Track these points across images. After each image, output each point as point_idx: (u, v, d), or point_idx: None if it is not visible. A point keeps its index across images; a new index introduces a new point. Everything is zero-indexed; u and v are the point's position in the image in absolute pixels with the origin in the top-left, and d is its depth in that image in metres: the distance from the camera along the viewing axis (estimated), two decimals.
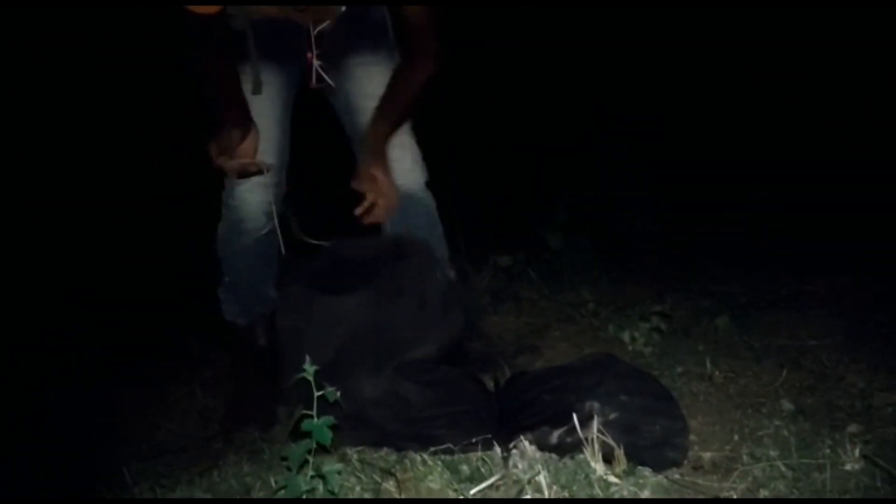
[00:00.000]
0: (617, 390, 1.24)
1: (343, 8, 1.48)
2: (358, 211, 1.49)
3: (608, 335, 1.79)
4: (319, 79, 1.53)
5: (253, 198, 1.53)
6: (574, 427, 1.14)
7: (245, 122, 1.49)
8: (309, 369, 1.10)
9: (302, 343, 1.31)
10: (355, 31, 1.54)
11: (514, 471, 1.09)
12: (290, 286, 1.44)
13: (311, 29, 1.49)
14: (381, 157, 1.52)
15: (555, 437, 1.20)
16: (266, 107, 1.54)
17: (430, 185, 1.65)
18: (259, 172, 1.50)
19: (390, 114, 1.52)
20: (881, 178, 2.42)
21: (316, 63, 1.52)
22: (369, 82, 1.57)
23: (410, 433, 1.25)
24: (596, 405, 1.20)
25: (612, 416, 1.19)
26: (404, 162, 1.59)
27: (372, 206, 1.48)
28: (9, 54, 2.88)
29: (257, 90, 1.51)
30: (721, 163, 3.01)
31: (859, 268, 2.03)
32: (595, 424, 1.13)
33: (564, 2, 3.69)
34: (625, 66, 3.70)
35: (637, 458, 1.11)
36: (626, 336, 1.72)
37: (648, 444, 1.16)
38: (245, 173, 1.50)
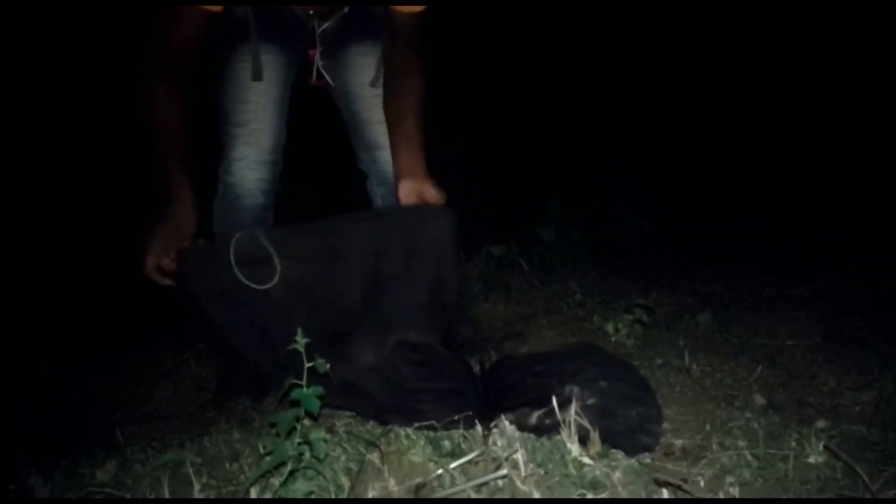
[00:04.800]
0: (596, 377, 1.29)
1: (346, 8, 1.51)
2: None
3: (593, 326, 1.84)
4: (320, 76, 1.57)
5: (250, 174, 1.56)
6: (553, 410, 1.19)
7: (184, 196, 1.39)
8: (300, 341, 1.14)
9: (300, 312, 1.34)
10: (356, 26, 1.58)
11: (493, 448, 1.13)
12: (291, 257, 1.37)
13: (316, 27, 1.51)
14: (425, 176, 1.44)
15: (534, 418, 1.24)
16: (265, 88, 1.57)
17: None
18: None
19: (412, 126, 1.47)
20: (867, 186, 2.47)
21: (318, 62, 1.54)
22: (367, 71, 1.60)
23: (397, 405, 1.29)
24: (575, 390, 1.25)
25: (591, 401, 1.24)
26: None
27: None
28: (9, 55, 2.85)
29: (257, 76, 1.53)
30: (714, 166, 3.06)
31: (841, 273, 2.08)
32: (573, 408, 1.18)
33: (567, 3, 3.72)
34: (624, 65, 3.74)
35: (612, 441, 1.15)
36: (609, 327, 1.77)
37: (623, 429, 1.21)
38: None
